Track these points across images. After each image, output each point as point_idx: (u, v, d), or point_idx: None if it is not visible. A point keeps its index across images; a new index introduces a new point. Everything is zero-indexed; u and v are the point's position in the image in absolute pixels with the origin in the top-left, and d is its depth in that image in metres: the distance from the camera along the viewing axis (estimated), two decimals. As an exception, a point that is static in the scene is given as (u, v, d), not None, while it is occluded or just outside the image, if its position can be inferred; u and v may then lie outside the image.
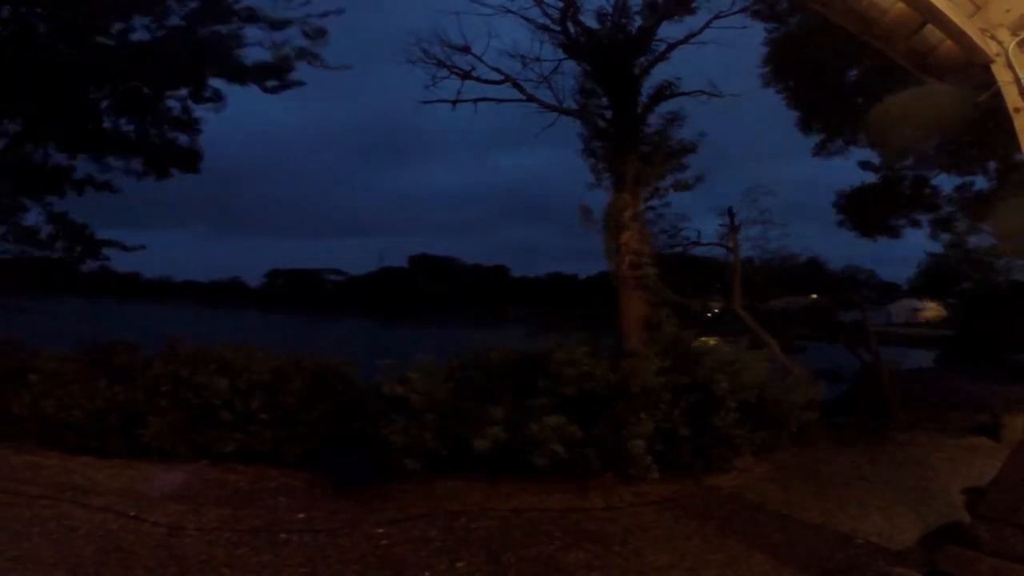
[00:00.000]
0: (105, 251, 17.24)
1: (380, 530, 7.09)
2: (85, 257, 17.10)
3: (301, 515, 7.53)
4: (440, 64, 14.91)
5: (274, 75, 16.19)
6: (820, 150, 20.32)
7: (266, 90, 16.45)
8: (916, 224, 21.80)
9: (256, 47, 15.93)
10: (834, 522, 7.43)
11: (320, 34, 15.90)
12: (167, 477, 8.51)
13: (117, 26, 14.74)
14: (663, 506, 7.98)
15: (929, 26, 3.42)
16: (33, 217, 16.26)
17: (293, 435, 9.24)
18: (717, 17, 14.31)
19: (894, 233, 21.88)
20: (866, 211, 21.10)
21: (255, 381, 9.39)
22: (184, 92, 16.36)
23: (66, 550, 6.20)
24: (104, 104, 15.95)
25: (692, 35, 14.42)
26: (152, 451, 9.02)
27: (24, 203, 16.06)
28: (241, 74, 16.06)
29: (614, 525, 7.33)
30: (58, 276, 17.52)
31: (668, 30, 15.04)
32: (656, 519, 7.53)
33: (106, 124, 16.04)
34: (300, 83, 16.57)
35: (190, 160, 17.25)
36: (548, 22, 14.72)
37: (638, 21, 14.69)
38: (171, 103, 16.60)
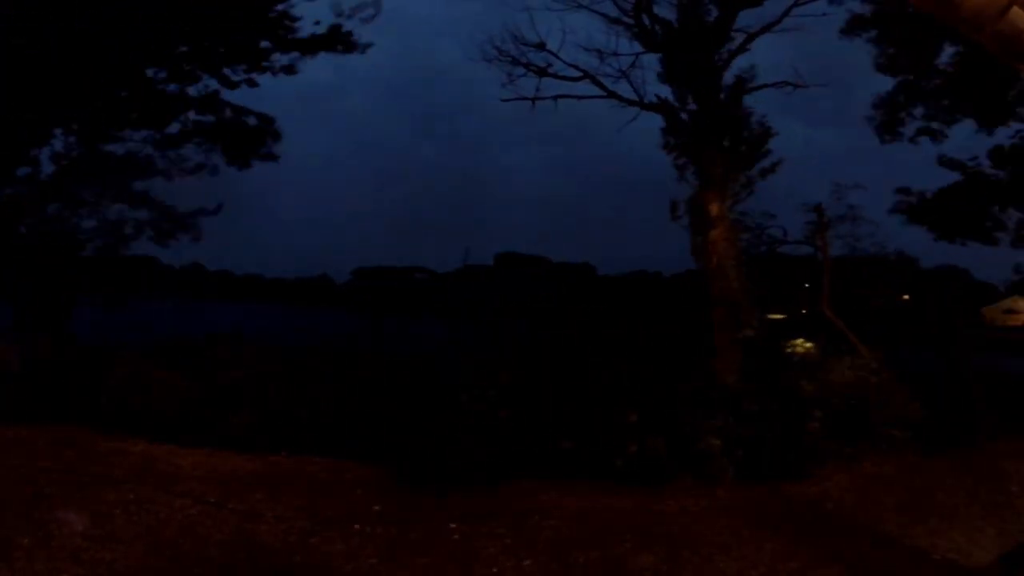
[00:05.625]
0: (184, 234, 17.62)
1: (452, 525, 7.15)
2: (176, 232, 17.43)
3: (376, 507, 7.66)
4: (515, 62, 14.92)
5: (338, 43, 16.53)
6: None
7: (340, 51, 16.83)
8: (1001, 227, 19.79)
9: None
10: (912, 536, 7.10)
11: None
12: (248, 466, 8.82)
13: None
14: (737, 512, 7.78)
15: (1015, 9, 3.19)
16: (118, 211, 16.86)
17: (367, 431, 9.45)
18: (796, 4, 13.81)
19: (986, 237, 20.03)
20: (952, 211, 19.45)
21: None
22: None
23: (145, 531, 6.48)
24: (171, 87, 16.46)
25: (770, 24, 13.99)
26: (235, 442, 9.35)
27: (109, 194, 16.62)
28: (303, 46, 16.46)
29: (686, 529, 7.19)
30: (146, 275, 18.15)
31: (747, 19, 14.53)
32: (729, 525, 7.35)
33: (176, 112, 16.54)
34: (369, 44, 16.99)
35: (266, 141, 17.61)
36: (621, 15, 14.57)
37: (714, 12, 14.35)
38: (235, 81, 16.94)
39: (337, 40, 16.76)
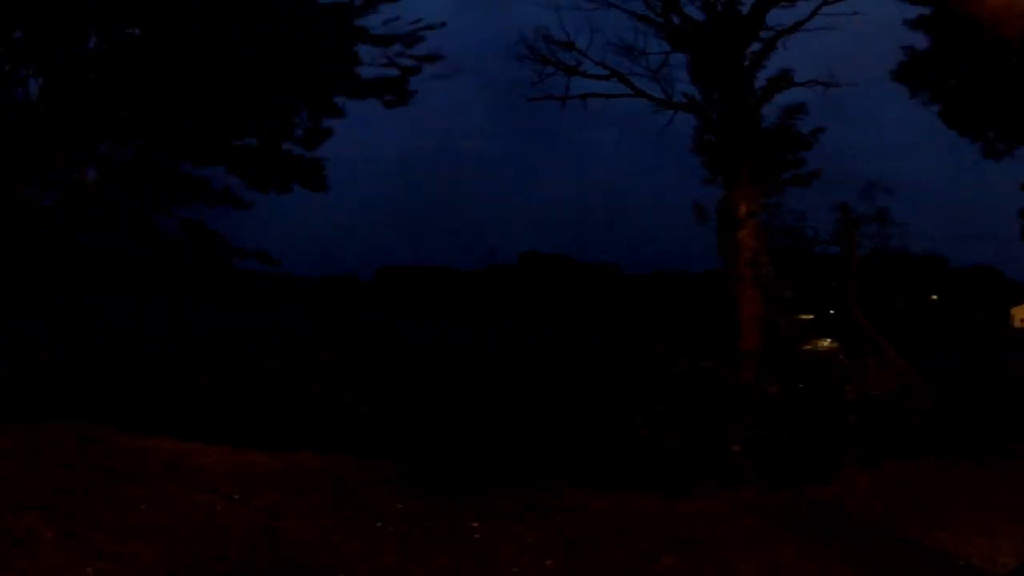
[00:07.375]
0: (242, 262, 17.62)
1: (474, 524, 7.16)
2: (216, 265, 17.48)
3: (399, 505, 7.69)
4: (545, 61, 14.89)
5: (391, 91, 16.40)
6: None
7: (386, 105, 16.70)
8: None
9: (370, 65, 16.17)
10: (934, 540, 6.98)
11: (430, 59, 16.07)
12: (273, 464, 8.88)
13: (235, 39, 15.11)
14: (759, 514, 7.74)
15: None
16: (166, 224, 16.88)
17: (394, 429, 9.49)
18: (826, 3, 13.62)
19: None
20: None
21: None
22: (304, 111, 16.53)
23: (167, 527, 6.53)
24: (227, 117, 16.45)
25: (800, 23, 13.82)
26: (259, 440, 9.43)
27: (157, 211, 16.66)
28: (360, 89, 16.35)
29: (707, 531, 7.15)
30: (174, 275, 18.22)
31: (779, 17, 14.32)
32: (750, 527, 7.32)
33: (230, 139, 16.51)
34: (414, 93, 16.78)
35: (314, 175, 17.50)
36: (651, 14, 14.48)
37: (744, 10, 14.18)
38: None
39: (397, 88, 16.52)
